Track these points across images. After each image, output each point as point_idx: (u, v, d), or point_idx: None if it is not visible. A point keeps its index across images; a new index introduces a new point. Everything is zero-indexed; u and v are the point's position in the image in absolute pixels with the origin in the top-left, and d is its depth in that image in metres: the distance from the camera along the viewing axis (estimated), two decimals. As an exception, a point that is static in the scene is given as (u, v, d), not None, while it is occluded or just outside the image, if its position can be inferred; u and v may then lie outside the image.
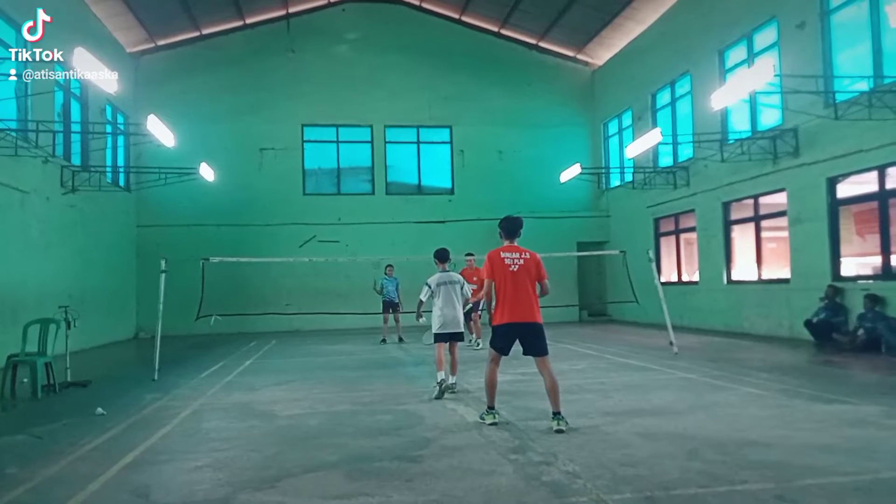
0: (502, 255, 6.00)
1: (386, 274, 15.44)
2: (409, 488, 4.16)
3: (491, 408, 6.01)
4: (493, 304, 6.04)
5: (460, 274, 13.23)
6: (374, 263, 17.22)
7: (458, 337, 7.97)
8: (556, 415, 5.68)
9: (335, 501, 3.99)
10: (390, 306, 15.18)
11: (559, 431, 5.55)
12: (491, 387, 6.01)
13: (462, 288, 8.06)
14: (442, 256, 8.28)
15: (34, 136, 12.88)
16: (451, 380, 7.76)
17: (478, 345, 12.97)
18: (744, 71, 13.79)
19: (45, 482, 4.56)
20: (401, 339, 14.94)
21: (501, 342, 5.93)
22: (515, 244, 6.14)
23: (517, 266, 5.92)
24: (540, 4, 19.99)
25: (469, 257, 13.59)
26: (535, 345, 5.85)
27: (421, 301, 8.11)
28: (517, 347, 5.97)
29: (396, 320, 15.20)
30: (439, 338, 7.89)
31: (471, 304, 13.11)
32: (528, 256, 6.01)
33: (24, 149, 12.52)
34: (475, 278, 12.75)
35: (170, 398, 7.96)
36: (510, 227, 6.19)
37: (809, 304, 12.24)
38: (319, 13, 21.74)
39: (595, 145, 22.68)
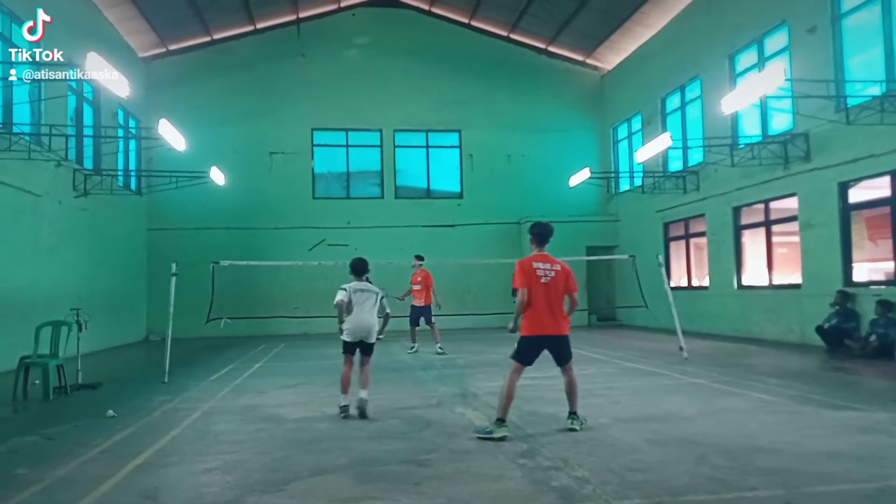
0: (534, 265, 5.80)
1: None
2: (417, 492, 4.16)
3: (502, 420, 5.59)
4: (518, 315, 5.81)
5: (411, 279, 13.74)
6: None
7: (367, 349, 7.01)
8: (572, 414, 5.80)
9: (343, 505, 4.00)
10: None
11: (572, 430, 5.64)
12: (508, 398, 5.66)
13: (381, 300, 7.06)
14: (357, 269, 7.14)
15: (47, 140, 12.99)
16: (362, 394, 6.74)
17: (441, 349, 12.96)
18: (754, 75, 13.74)
19: (56, 483, 4.60)
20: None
21: (528, 354, 5.78)
22: (545, 252, 5.98)
23: (548, 278, 5.76)
24: (549, 9, 20.01)
25: (418, 261, 13.72)
26: (563, 355, 5.87)
27: (339, 305, 6.81)
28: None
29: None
30: (347, 347, 6.99)
31: (413, 304, 13.52)
32: (559, 268, 5.85)
33: (37, 152, 12.64)
34: (419, 278, 13.45)
35: (179, 401, 8.00)
36: (542, 234, 5.99)
37: (821, 310, 12.14)
38: (329, 18, 21.85)
39: (604, 149, 22.65)
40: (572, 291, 5.90)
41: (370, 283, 7.26)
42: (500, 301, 21.07)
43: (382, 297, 7.09)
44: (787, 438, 5.30)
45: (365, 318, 6.94)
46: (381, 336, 7.16)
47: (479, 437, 5.53)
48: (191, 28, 19.85)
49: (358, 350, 7.03)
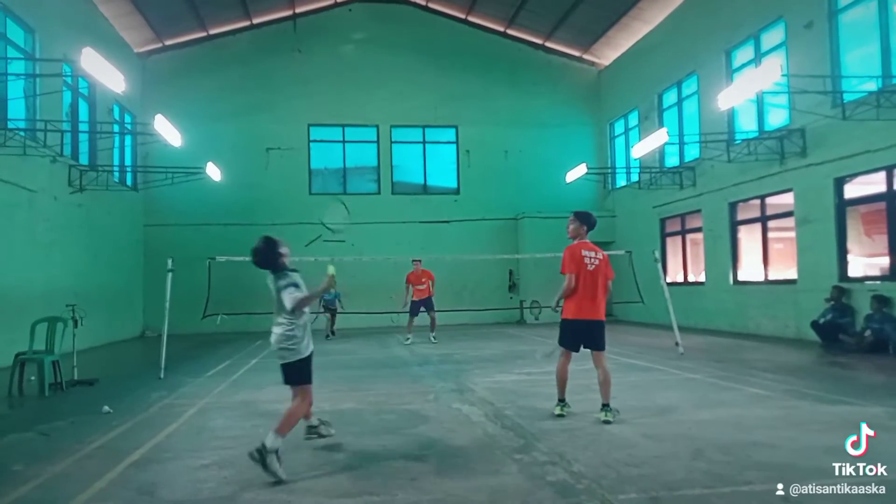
0: (583, 252, 6.15)
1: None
2: (414, 487, 4.17)
3: (561, 400, 6.22)
4: (562, 297, 6.19)
5: (407, 278, 14.62)
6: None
7: (287, 374, 4.98)
8: (605, 406, 5.92)
9: (340, 500, 4.00)
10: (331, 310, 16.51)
11: (606, 422, 5.78)
12: (561, 381, 6.21)
13: (281, 292, 4.78)
14: (259, 261, 4.92)
15: (42, 136, 12.94)
16: (268, 440, 4.47)
17: (435, 339, 14.35)
18: (751, 71, 13.73)
19: (52, 479, 4.59)
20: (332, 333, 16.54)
21: (571, 339, 6.18)
22: (588, 241, 6.29)
23: (594, 265, 6.12)
24: (546, 4, 19.97)
25: (416, 261, 14.66)
26: (597, 340, 6.13)
27: None
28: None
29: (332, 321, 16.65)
30: None
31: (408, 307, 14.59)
32: (601, 257, 6.21)
33: (33, 148, 12.59)
34: (424, 279, 14.46)
35: (176, 396, 7.99)
36: (592, 223, 6.34)
37: (816, 305, 12.19)
38: (326, 13, 21.78)
39: (601, 145, 22.65)
40: (611, 278, 6.29)
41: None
42: (498, 297, 21.16)
43: (286, 287, 4.78)
44: (783, 433, 5.32)
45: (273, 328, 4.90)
46: (286, 350, 4.85)
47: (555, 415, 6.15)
48: (187, 23, 19.77)
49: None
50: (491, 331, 17.87)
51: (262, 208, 20.44)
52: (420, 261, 14.76)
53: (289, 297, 4.74)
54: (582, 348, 6.20)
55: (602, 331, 6.16)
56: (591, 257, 6.14)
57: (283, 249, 4.92)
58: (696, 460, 4.58)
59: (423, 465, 4.68)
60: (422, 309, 14.45)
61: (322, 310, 16.32)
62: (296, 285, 4.82)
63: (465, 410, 6.70)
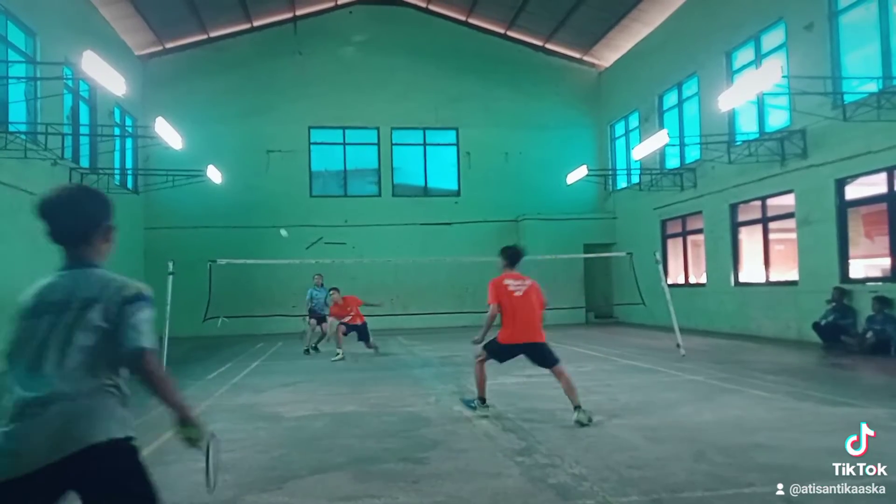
0: (505, 282, 6.39)
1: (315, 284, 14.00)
2: (416, 490, 4.17)
3: (482, 398, 6.52)
4: (486, 329, 6.44)
5: (331, 312, 12.38)
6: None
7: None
8: (577, 408, 5.92)
9: (342, 503, 4.00)
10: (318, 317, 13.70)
11: (580, 423, 5.76)
12: (481, 381, 6.53)
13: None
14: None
15: (43, 139, 12.96)
16: None
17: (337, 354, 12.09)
18: (751, 72, 13.75)
19: (54, 483, 4.58)
20: (315, 349, 13.64)
21: (501, 355, 6.47)
22: (516, 272, 6.52)
23: (521, 291, 6.32)
24: (546, 6, 20.00)
25: (333, 290, 12.68)
26: (545, 359, 6.28)
27: None
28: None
29: (323, 331, 13.76)
30: None
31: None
32: (529, 283, 6.41)
33: (34, 151, 12.60)
34: (349, 308, 12.42)
35: (177, 399, 7.97)
36: (515, 256, 6.61)
37: (817, 307, 12.17)
38: (326, 15, 21.83)
39: (602, 147, 22.66)
40: (542, 306, 6.44)
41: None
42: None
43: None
44: (785, 434, 5.31)
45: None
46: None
47: (464, 403, 6.78)
48: (187, 26, 19.81)
49: None
50: (492, 333, 17.84)
51: (263, 211, 20.47)
52: (337, 290, 12.64)
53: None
54: (536, 365, 6.40)
55: (545, 350, 6.26)
56: (517, 285, 6.33)
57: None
58: (698, 462, 4.57)
59: (424, 468, 4.68)
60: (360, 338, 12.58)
61: (307, 315, 13.81)
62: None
63: (467, 413, 6.69)
